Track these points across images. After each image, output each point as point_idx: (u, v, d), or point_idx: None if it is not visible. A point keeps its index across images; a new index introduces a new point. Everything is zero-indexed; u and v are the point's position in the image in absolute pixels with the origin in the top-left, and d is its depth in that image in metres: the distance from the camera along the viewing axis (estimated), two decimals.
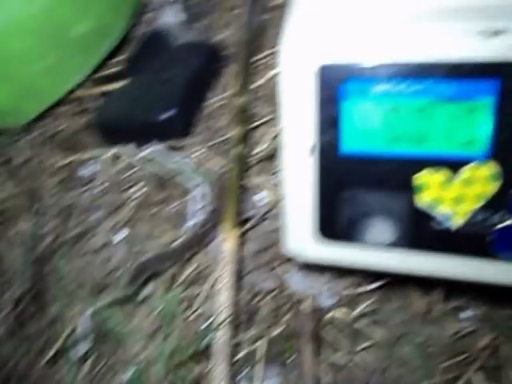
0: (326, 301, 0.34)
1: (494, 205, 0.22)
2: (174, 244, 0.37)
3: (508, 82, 0.20)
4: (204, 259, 0.38)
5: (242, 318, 0.36)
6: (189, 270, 0.37)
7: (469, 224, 0.23)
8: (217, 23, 0.52)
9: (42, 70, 0.44)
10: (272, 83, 0.43)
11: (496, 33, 0.20)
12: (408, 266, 0.25)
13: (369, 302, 0.33)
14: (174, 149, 0.40)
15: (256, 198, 0.40)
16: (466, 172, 0.22)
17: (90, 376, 0.37)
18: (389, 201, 0.24)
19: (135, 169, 0.41)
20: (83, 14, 0.43)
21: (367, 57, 0.22)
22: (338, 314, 0.33)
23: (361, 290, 0.33)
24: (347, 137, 0.23)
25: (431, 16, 0.21)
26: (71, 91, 0.48)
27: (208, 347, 0.34)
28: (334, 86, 0.23)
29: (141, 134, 0.41)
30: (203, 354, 0.34)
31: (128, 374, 0.36)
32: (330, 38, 0.22)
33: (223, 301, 0.35)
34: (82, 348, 0.37)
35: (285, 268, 0.36)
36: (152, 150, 0.40)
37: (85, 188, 0.43)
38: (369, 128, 0.23)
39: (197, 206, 0.37)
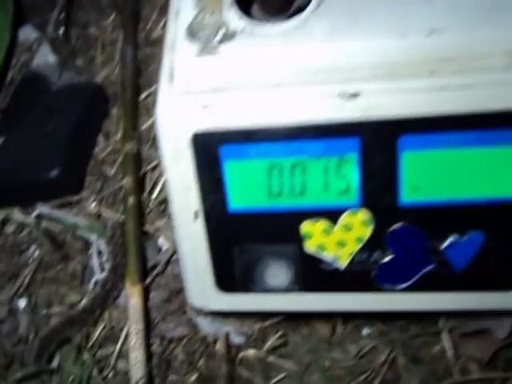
0: (236, 339, 0.35)
1: (371, 245, 0.24)
2: (79, 306, 0.36)
3: (367, 139, 0.22)
4: (113, 315, 0.37)
5: (159, 369, 0.36)
6: (98, 331, 0.36)
7: (354, 263, 0.25)
8: (98, 60, 0.50)
9: None
10: None
11: (353, 95, 0.21)
12: (305, 305, 0.27)
13: (278, 334, 0.34)
14: (65, 205, 0.39)
15: (159, 242, 0.39)
16: (344, 219, 0.24)
17: None
18: (280, 250, 0.25)
19: (27, 230, 0.39)
20: None
21: (241, 121, 0.23)
22: (250, 351, 0.34)
23: (268, 323, 0.34)
24: (233, 196, 0.24)
25: (296, 80, 0.22)
26: None
27: None
28: (214, 151, 0.23)
29: (28, 194, 0.39)
30: None
31: None
32: (203, 104, 0.23)
33: (137, 356, 0.34)
34: None
35: (195, 312, 0.36)
36: (42, 209, 0.38)
37: None
38: (252, 186, 0.24)
39: (95, 263, 0.35)
